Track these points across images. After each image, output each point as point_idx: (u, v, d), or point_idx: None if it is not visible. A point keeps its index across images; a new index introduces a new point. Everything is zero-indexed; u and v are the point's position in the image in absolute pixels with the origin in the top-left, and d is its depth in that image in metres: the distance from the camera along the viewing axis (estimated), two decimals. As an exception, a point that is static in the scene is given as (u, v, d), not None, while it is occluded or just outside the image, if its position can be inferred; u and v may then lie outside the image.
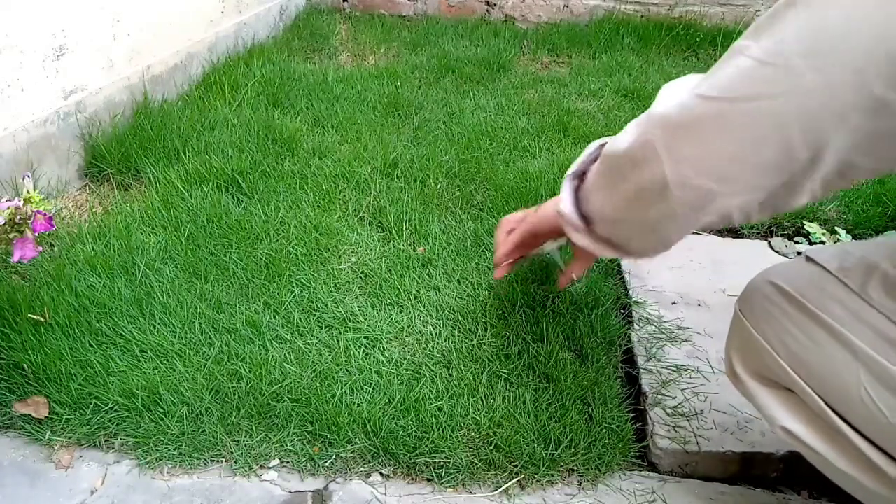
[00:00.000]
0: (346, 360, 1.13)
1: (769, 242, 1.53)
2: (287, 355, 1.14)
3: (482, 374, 1.12)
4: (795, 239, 1.60)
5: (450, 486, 0.98)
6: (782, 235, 1.61)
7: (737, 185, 0.60)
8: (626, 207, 0.71)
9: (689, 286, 1.38)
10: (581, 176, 0.82)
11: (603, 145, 0.82)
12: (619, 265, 1.44)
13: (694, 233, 1.63)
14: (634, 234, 0.73)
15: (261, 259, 1.36)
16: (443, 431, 1.01)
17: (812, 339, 0.73)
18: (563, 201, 0.81)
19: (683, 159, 0.61)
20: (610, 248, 0.79)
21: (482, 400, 1.07)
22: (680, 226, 0.67)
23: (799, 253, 1.49)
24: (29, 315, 1.14)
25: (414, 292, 1.30)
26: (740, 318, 0.83)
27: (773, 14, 0.57)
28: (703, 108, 0.60)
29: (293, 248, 1.39)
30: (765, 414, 0.81)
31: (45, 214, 0.99)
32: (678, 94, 0.63)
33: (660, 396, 1.10)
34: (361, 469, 1.00)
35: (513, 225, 1.06)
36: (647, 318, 1.28)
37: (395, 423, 1.02)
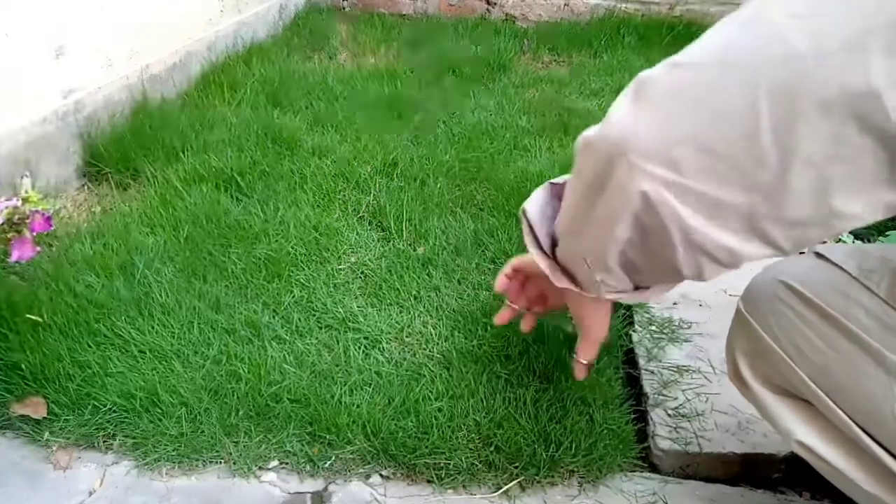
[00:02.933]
0: (345, 361, 1.13)
1: (770, 242, 1.52)
2: (286, 356, 1.13)
3: (482, 374, 1.12)
4: (796, 239, 1.59)
5: (450, 488, 0.98)
6: (783, 235, 1.61)
7: (686, 173, 0.51)
8: (572, 201, 0.64)
9: (690, 286, 1.37)
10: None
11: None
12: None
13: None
14: (582, 232, 0.64)
15: (260, 259, 1.36)
16: (443, 432, 1.01)
17: (834, 347, 0.66)
18: (536, 235, 0.74)
19: (633, 134, 0.53)
20: (566, 278, 0.71)
21: (482, 401, 1.07)
22: (616, 216, 0.57)
23: (801, 252, 1.49)
24: (27, 315, 1.13)
25: (414, 292, 1.30)
26: (746, 319, 0.76)
27: None
28: (670, 76, 0.52)
29: (292, 248, 1.39)
30: (778, 427, 0.74)
31: (43, 214, 0.99)
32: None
33: (661, 397, 1.10)
34: (361, 470, 0.99)
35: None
36: (649, 319, 1.27)
37: (395, 424, 1.02)
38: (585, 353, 0.92)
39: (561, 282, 0.73)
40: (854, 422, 0.66)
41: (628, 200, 0.54)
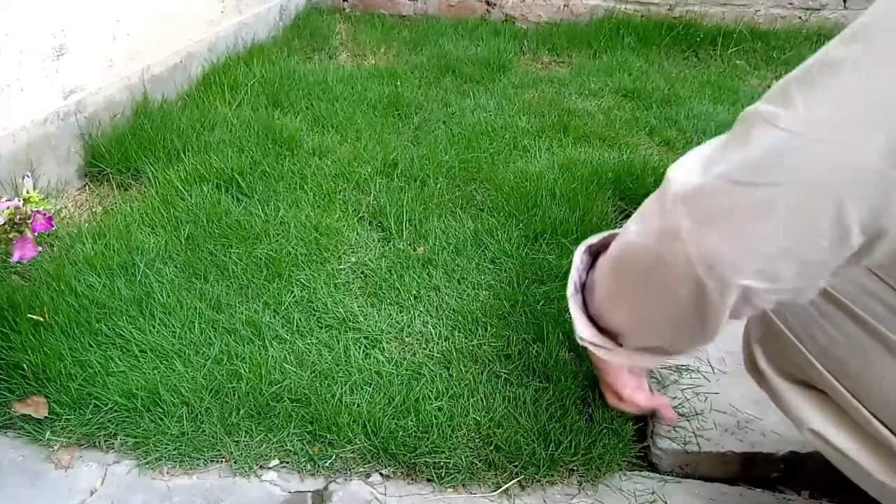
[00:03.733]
0: (346, 361, 1.13)
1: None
2: (287, 355, 1.14)
3: (482, 374, 1.12)
4: (796, 239, 1.60)
5: (450, 487, 0.98)
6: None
7: (782, 281, 0.53)
8: (659, 312, 0.63)
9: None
10: (583, 289, 0.75)
11: (589, 248, 0.76)
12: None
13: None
14: (671, 334, 0.66)
15: (261, 259, 1.36)
16: (443, 431, 1.01)
17: (848, 336, 0.67)
18: (579, 328, 0.74)
19: (719, 257, 0.53)
20: (649, 356, 0.72)
21: (482, 400, 1.07)
22: (718, 320, 0.59)
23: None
24: (29, 315, 1.14)
25: (414, 292, 1.30)
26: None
27: (805, 76, 0.50)
28: (737, 194, 0.52)
29: (293, 248, 1.39)
30: (791, 415, 0.75)
31: (44, 214, 0.99)
32: (697, 175, 0.55)
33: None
34: (361, 469, 1.00)
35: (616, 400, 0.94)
36: (648, 318, 1.27)
37: (395, 424, 1.02)
38: (641, 400, 0.91)
39: (647, 363, 0.75)
40: (866, 409, 0.66)
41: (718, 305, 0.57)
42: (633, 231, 0.62)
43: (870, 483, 0.69)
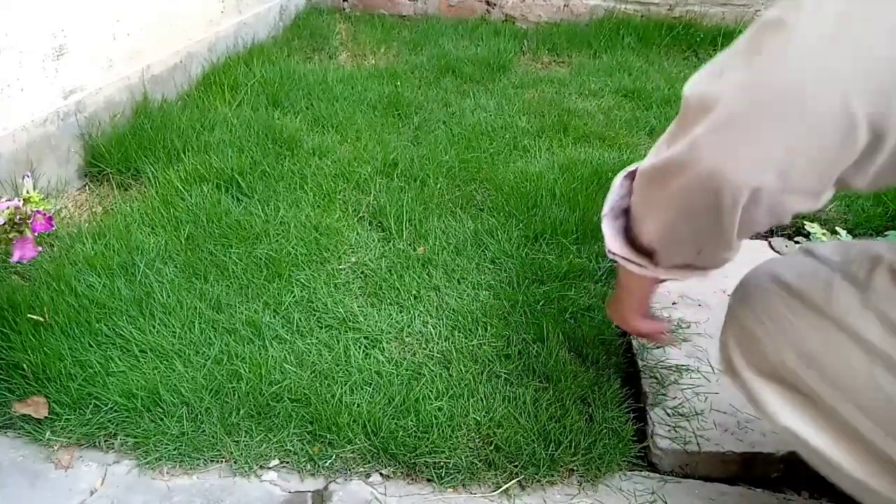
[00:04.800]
0: (346, 361, 1.13)
1: (769, 242, 1.53)
2: (287, 355, 1.14)
3: (482, 374, 1.12)
4: (796, 239, 1.60)
5: (450, 487, 0.98)
6: (782, 235, 1.61)
7: (792, 179, 0.56)
8: (685, 222, 0.66)
9: (689, 286, 1.37)
10: (626, 213, 0.77)
11: (630, 174, 0.79)
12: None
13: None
14: (695, 244, 0.69)
15: (261, 259, 1.36)
16: (443, 431, 1.01)
17: (818, 331, 0.70)
18: (608, 243, 0.77)
19: (739, 159, 0.56)
20: (681, 271, 0.75)
21: (482, 400, 1.07)
22: (733, 226, 0.62)
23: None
24: (29, 315, 1.14)
25: (414, 292, 1.30)
26: (736, 309, 0.80)
27: None
28: (747, 97, 0.54)
29: (293, 248, 1.39)
30: (765, 412, 0.77)
31: (44, 214, 0.99)
32: (709, 85, 0.58)
33: (660, 397, 1.10)
34: (361, 469, 1.00)
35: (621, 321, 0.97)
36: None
37: (395, 424, 1.02)
38: (650, 326, 0.96)
39: (679, 276, 0.77)
40: (835, 402, 0.69)
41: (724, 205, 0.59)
42: (659, 149, 0.65)
43: (847, 481, 0.71)
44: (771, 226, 0.63)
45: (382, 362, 1.13)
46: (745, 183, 0.56)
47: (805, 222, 1.63)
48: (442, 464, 0.99)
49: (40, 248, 1.03)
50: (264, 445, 1.01)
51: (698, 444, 1.02)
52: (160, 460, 1.00)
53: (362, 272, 1.36)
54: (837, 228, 1.62)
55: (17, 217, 0.98)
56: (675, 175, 0.62)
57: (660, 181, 0.66)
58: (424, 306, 1.27)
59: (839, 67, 0.52)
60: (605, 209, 0.79)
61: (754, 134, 0.55)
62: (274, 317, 1.23)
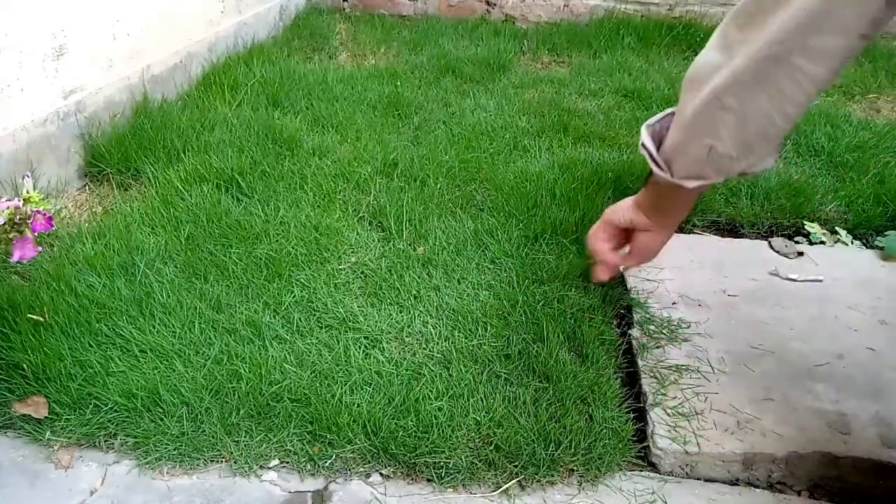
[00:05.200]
0: (346, 361, 1.13)
1: (769, 242, 1.53)
2: (287, 355, 1.14)
3: (482, 374, 1.12)
4: (796, 239, 1.60)
5: (450, 487, 0.98)
6: (782, 235, 1.61)
7: (824, 34, 0.63)
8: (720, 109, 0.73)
9: (689, 286, 1.37)
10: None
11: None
12: (619, 265, 1.44)
13: (694, 232, 1.63)
14: (733, 129, 0.75)
15: (261, 259, 1.36)
16: (443, 431, 1.01)
17: None
18: (644, 139, 0.84)
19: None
20: (692, 180, 0.80)
21: (482, 400, 1.07)
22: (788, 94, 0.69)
23: (800, 253, 1.49)
24: (29, 315, 1.14)
25: (414, 292, 1.30)
26: None
27: None
28: None
29: (293, 248, 1.39)
30: None
31: (44, 214, 0.99)
32: None
33: (660, 396, 1.10)
34: (361, 469, 1.00)
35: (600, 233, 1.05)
36: (648, 318, 1.28)
37: (395, 424, 1.02)
38: (626, 262, 1.02)
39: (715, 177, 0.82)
40: None
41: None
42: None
43: None
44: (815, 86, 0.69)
45: (382, 362, 1.13)
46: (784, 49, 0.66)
47: (805, 222, 1.63)
48: (442, 464, 0.99)
49: (40, 248, 1.03)
50: (264, 445, 1.01)
51: (698, 444, 1.02)
52: (160, 460, 1.00)
53: (362, 272, 1.36)
54: (837, 228, 1.62)
55: (17, 217, 0.98)
56: (712, 71, 0.73)
57: (698, 79, 0.75)
58: (424, 306, 1.27)
59: None
60: (649, 121, 0.86)
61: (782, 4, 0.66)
62: (274, 317, 1.23)
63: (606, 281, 1.11)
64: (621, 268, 1.10)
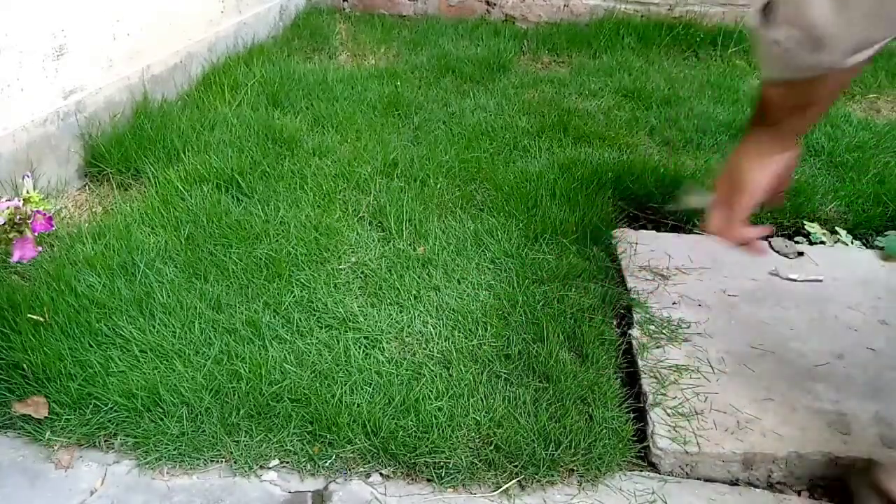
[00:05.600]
0: (346, 361, 1.13)
1: (769, 242, 1.53)
2: (287, 355, 1.14)
3: (482, 374, 1.12)
4: (796, 239, 1.60)
5: (450, 487, 0.98)
6: (782, 235, 1.61)
7: None
8: None
9: (689, 286, 1.37)
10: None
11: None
12: (619, 267, 1.44)
13: (694, 233, 1.63)
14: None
15: (261, 259, 1.36)
16: (443, 431, 1.01)
17: None
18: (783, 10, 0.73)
19: None
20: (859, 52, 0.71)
21: (482, 400, 1.07)
22: None
23: (800, 253, 1.49)
24: (29, 315, 1.14)
25: (414, 292, 1.30)
26: None
27: None
28: None
29: (293, 248, 1.39)
30: None
31: (44, 214, 0.99)
32: None
33: (660, 396, 1.10)
34: (361, 469, 1.00)
35: (724, 227, 0.94)
36: (648, 318, 1.28)
37: (395, 424, 1.02)
38: (777, 199, 0.94)
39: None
40: None
41: None
42: None
43: None
44: None
45: (382, 362, 1.13)
46: None
47: (805, 222, 1.63)
48: (442, 464, 0.99)
49: (40, 248, 1.03)
50: (264, 445, 1.01)
51: (698, 444, 1.02)
52: (160, 460, 1.00)
53: (362, 272, 1.36)
54: (837, 228, 1.62)
55: (17, 217, 0.98)
56: None
57: None
58: (424, 306, 1.27)
59: None
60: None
61: None
62: (274, 317, 1.23)
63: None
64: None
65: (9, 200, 0.98)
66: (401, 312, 1.25)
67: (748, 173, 0.90)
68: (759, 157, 0.88)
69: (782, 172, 0.91)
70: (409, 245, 1.45)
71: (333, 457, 1.00)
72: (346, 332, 1.20)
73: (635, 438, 1.06)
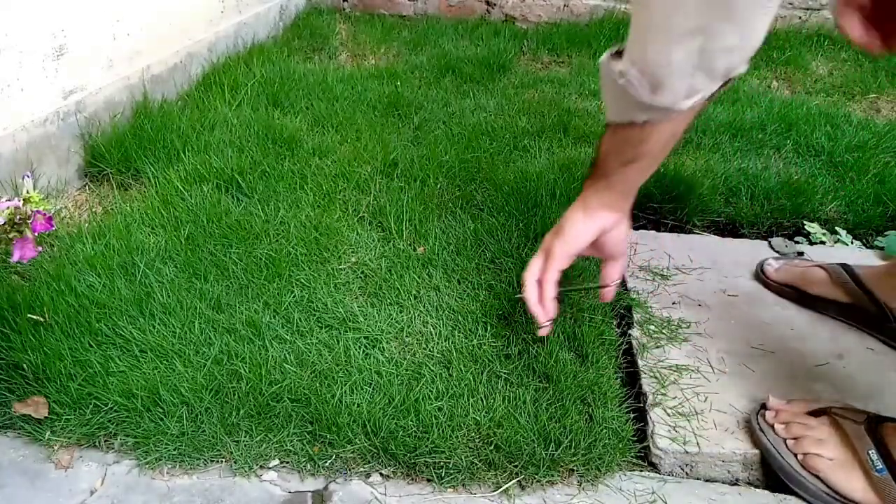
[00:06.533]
0: (346, 361, 1.13)
1: (769, 242, 1.53)
2: (287, 355, 1.14)
3: (482, 374, 1.12)
4: (796, 239, 1.60)
5: (450, 487, 0.98)
6: (782, 235, 1.61)
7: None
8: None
9: (689, 286, 1.38)
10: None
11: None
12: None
13: (694, 233, 1.63)
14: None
15: (260, 259, 1.36)
16: (443, 432, 1.01)
17: None
18: (616, 67, 0.82)
19: None
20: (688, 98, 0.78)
21: (482, 400, 1.07)
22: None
23: (800, 253, 1.49)
24: (28, 315, 1.14)
25: (414, 292, 1.30)
26: None
27: None
28: None
29: (293, 248, 1.39)
30: None
31: (44, 214, 0.99)
32: None
33: (660, 396, 1.10)
34: (361, 469, 1.00)
35: (538, 274, 1.01)
36: (648, 318, 1.28)
37: (395, 424, 1.02)
38: (612, 275, 1.03)
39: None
40: None
41: None
42: None
43: None
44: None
45: (382, 362, 1.13)
46: None
47: (805, 222, 1.64)
48: (442, 464, 0.99)
49: (40, 248, 1.03)
50: (264, 445, 1.01)
51: (698, 444, 1.02)
52: (160, 460, 1.00)
53: (362, 272, 1.36)
54: (837, 228, 1.62)
55: (17, 217, 0.98)
56: None
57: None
58: (424, 306, 1.27)
59: None
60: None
61: None
62: (274, 317, 1.23)
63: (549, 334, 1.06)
64: (615, 283, 1.07)
65: (9, 200, 0.98)
66: (401, 312, 1.25)
67: (570, 223, 0.95)
68: (584, 209, 0.93)
69: (611, 235, 0.95)
70: (409, 245, 1.45)
71: (333, 457, 1.00)
72: (346, 332, 1.20)
73: (635, 438, 1.06)
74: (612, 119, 0.88)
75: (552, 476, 0.99)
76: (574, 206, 0.95)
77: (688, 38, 0.73)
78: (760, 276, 1.37)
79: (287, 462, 1.01)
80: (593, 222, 0.93)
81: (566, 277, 1.13)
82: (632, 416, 1.08)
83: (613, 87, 0.83)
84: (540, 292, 1.00)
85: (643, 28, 0.77)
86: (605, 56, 0.84)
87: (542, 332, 1.06)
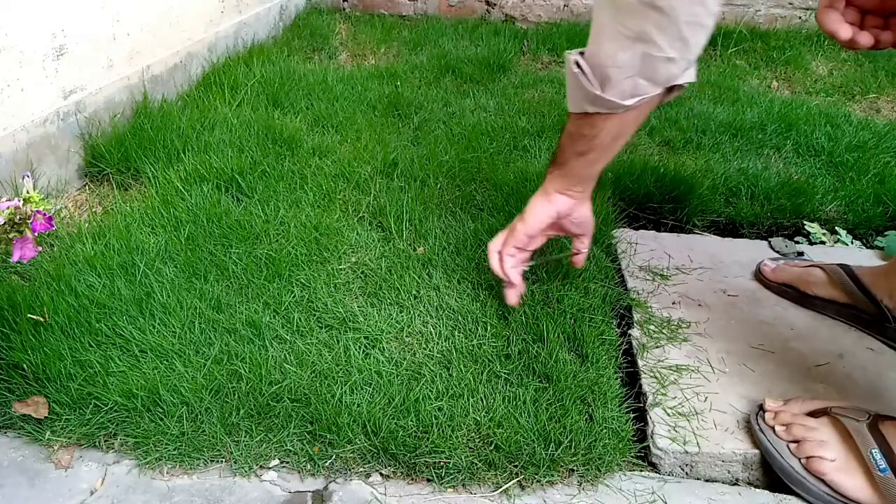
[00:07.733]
0: (346, 361, 1.13)
1: (769, 242, 1.53)
2: (287, 355, 1.14)
3: (482, 374, 1.12)
4: (796, 239, 1.60)
5: (450, 487, 0.98)
6: (782, 235, 1.61)
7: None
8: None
9: (689, 286, 1.38)
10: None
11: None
12: (619, 267, 1.44)
13: (694, 233, 1.63)
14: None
15: (260, 259, 1.36)
16: (443, 432, 1.01)
17: None
18: (574, 60, 0.91)
19: None
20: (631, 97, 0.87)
21: (482, 400, 1.07)
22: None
23: (800, 253, 1.49)
24: (28, 315, 1.14)
25: (414, 292, 1.30)
26: None
27: None
28: None
29: (293, 248, 1.39)
30: None
31: (44, 214, 0.99)
32: None
33: (660, 396, 1.10)
34: (361, 469, 1.00)
35: (499, 246, 1.14)
36: (648, 318, 1.28)
37: (395, 424, 1.02)
38: (582, 246, 1.15)
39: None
40: None
41: None
42: None
43: None
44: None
45: (382, 362, 1.13)
46: None
47: (805, 222, 1.64)
48: (442, 464, 0.99)
49: (40, 248, 1.03)
50: (264, 445, 1.01)
51: (698, 444, 1.02)
52: (160, 460, 1.00)
53: (362, 272, 1.36)
54: (837, 228, 1.62)
55: (17, 217, 0.98)
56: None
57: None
58: (424, 306, 1.27)
59: None
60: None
61: None
62: (274, 317, 1.23)
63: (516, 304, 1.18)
64: (581, 257, 1.20)
65: (9, 200, 0.98)
66: (401, 312, 1.25)
67: (531, 206, 1.09)
68: (545, 194, 1.08)
69: (573, 216, 1.09)
70: (409, 245, 1.45)
71: (333, 457, 1.00)
72: (346, 332, 1.20)
73: (635, 438, 1.06)
74: (569, 109, 0.98)
75: (552, 476, 0.99)
76: (538, 191, 1.08)
77: (630, 43, 0.82)
78: (759, 276, 1.37)
79: (287, 462, 1.01)
80: (551, 206, 1.06)
81: (542, 253, 1.25)
82: (632, 416, 1.08)
83: (573, 79, 0.92)
84: (501, 262, 1.14)
85: (598, 28, 0.86)
86: (573, 51, 0.93)
87: (509, 300, 1.18)
